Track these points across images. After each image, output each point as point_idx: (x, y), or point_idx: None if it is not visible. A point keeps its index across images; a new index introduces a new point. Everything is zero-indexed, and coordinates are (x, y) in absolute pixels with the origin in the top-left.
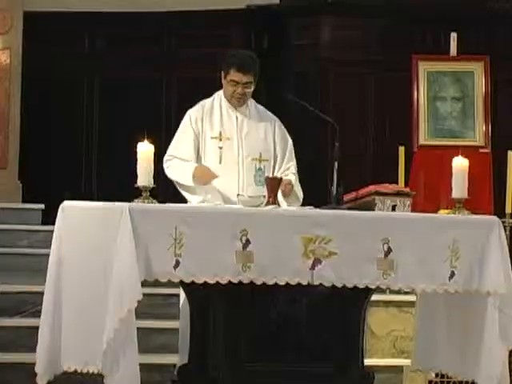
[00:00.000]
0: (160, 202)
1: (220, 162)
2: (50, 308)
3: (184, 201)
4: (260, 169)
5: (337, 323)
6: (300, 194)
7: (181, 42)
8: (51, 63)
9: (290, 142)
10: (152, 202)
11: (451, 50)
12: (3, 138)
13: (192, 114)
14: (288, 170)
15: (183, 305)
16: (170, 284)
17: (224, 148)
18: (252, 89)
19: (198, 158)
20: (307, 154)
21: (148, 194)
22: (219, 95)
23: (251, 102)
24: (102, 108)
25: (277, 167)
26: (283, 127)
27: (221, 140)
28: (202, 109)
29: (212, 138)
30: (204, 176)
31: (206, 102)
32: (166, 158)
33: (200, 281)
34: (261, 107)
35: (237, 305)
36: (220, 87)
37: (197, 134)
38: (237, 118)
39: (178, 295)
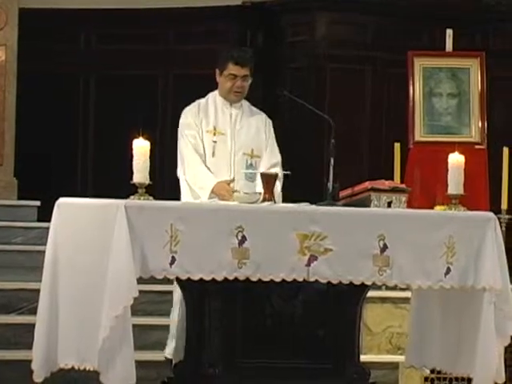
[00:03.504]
0: (156, 198)
1: (213, 156)
2: (47, 305)
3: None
4: (251, 164)
5: (332, 320)
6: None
7: (176, 39)
8: (47, 60)
9: (274, 139)
10: (148, 199)
11: (447, 47)
12: None
13: (189, 110)
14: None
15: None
16: (164, 281)
17: (218, 142)
18: (249, 82)
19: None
20: (303, 151)
21: (144, 190)
22: (213, 95)
23: (245, 102)
24: (98, 104)
25: (262, 163)
26: (272, 127)
27: (215, 134)
28: (197, 105)
29: (207, 131)
30: (222, 192)
31: (201, 100)
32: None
33: (196, 278)
34: (253, 108)
35: (233, 302)
36: (215, 87)
37: (197, 129)
38: (231, 114)
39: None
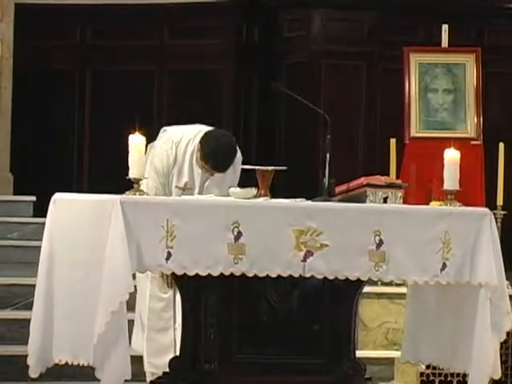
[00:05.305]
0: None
1: None
2: (42, 300)
3: None
4: None
5: (328, 315)
6: None
7: (171, 35)
8: (43, 55)
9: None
10: (144, 195)
11: (443, 42)
12: None
13: (165, 158)
14: None
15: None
16: None
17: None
18: None
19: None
20: (299, 146)
21: (139, 186)
22: (192, 148)
23: None
24: (93, 100)
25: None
26: (240, 164)
27: (184, 190)
28: (174, 153)
29: (176, 187)
30: None
31: (183, 139)
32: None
33: (192, 273)
34: None
35: (228, 297)
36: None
37: (166, 180)
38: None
39: None
